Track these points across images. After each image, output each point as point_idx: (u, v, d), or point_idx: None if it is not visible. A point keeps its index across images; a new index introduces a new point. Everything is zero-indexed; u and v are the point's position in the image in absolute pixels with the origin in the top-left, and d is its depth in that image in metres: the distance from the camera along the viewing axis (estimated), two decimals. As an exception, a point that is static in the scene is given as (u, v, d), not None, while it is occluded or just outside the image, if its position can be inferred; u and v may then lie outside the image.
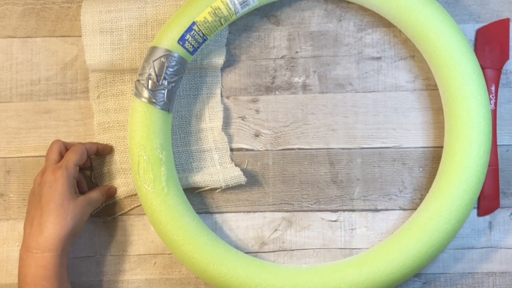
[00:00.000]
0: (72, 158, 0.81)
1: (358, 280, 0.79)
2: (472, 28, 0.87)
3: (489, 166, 0.82)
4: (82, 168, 0.85)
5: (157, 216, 0.81)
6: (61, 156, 0.82)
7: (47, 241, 0.77)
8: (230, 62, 0.88)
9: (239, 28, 0.88)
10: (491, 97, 0.84)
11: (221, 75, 0.88)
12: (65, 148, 0.83)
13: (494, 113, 0.83)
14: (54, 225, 0.77)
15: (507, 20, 0.85)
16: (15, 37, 0.89)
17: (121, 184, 0.86)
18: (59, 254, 0.77)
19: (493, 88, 0.84)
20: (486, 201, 0.83)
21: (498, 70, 0.84)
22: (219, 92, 0.87)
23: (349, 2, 0.86)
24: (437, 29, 0.80)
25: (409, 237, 0.79)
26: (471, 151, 0.79)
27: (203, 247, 0.80)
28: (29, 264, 0.77)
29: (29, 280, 0.77)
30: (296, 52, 0.88)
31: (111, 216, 0.86)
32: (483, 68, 0.83)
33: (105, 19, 0.86)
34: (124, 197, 0.86)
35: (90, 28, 0.86)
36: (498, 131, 0.85)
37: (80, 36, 0.88)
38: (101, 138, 0.86)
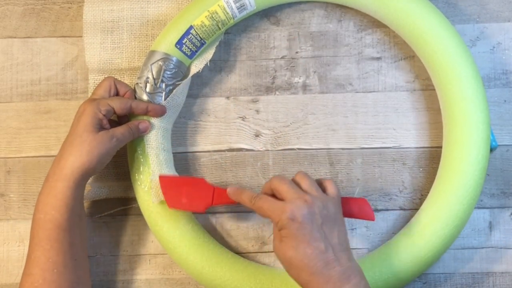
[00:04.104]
0: (110, 100, 0.78)
1: (355, 284, 0.79)
2: (472, 28, 0.87)
3: None
4: (118, 120, 0.83)
5: (154, 217, 0.81)
6: (109, 94, 0.80)
7: (61, 171, 0.75)
8: (230, 62, 0.88)
9: (239, 28, 0.88)
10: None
11: (221, 75, 0.88)
12: (115, 87, 0.81)
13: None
14: (69, 155, 0.75)
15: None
16: (15, 37, 0.89)
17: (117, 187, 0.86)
18: (71, 186, 0.75)
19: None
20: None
21: None
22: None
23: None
24: (435, 32, 0.80)
25: (407, 242, 0.79)
26: (469, 156, 0.79)
27: (198, 249, 0.80)
28: (42, 192, 0.76)
29: (40, 207, 0.75)
30: (296, 52, 0.88)
31: (107, 212, 0.86)
32: None
33: (107, 18, 0.86)
34: (124, 197, 0.86)
35: (92, 27, 0.86)
36: (498, 131, 0.85)
37: (81, 36, 0.88)
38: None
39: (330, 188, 0.75)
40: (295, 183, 0.74)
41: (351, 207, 0.77)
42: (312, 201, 0.71)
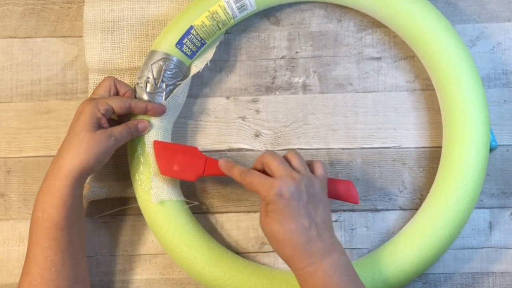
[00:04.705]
0: (109, 100, 0.78)
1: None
2: (472, 28, 0.87)
3: None
4: (118, 119, 0.83)
5: (154, 217, 0.81)
6: (108, 94, 0.80)
7: (59, 169, 0.75)
8: (230, 62, 0.88)
9: (239, 28, 0.88)
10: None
11: (221, 75, 0.88)
12: (115, 86, 0.81)
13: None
14: (67, 154, 0.76)
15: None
16: (15, 38, 0.89)
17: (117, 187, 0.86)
18: (69, 184, 0.75)
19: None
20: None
21: None
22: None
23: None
24: (434, 33, 0.80)
25: (407, 243, 0.79)
26: (469, 156, 0.79)
27: (198, 249, 0.80)
28: (40, 190, 0.76)
29: (38, 205, 0.75)
30: (296, 52, 0.88)
31: (107, 212, 0.86)
32: None
33: (107, 18, 0.86)
34: (124, 197, 0.86)
35: (92, 27, 0.86)
36: (498, 131, 0.85)
37: (81, 36, 0.88)
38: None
39: (318, 168, 0.77)
40: (286, 160, 0.76)
41: (337, 188, 0.79)
42: (300, 179, 0.73)
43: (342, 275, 0.71)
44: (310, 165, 0.78)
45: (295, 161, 0.76)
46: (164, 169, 0.80)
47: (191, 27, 0.82)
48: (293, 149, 0.78)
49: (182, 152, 0.81)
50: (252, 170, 0.76)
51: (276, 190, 0.72)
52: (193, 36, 0.82)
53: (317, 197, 0.74)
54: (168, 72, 0.82)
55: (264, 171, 0.76)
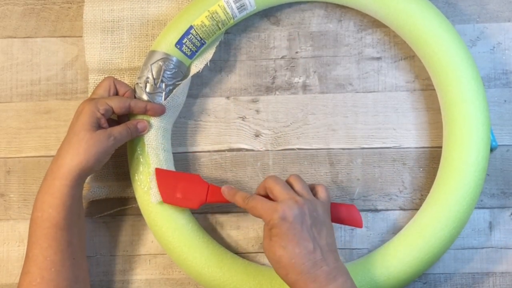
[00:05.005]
0: (109, 100, 0.78)
1: (354, 285, 0.79)
2: (472, 28, 0.87)
3: None
4: (118, 119, 0.83)
5: (153, 217, 0.81)
6: (108, 94, 0.80)
7: (58, 169, 0.75)
8: (230, 62, 0.88)
9: (239, 28, 0.88)
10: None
11: (221, 75, 0.88)
12: (115, 86, 0.81)
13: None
14: (66, 154, 0.76)
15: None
16: (15, 37, 0.89)
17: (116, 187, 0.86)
18: (68, 184, 0.75)
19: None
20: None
21: None
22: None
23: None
24: (435, 33, 0.80)
25: (407, 243, 0.79)
26: (469, 157, 0.79)
27: (198, 250, 0.80)
28: (40, 190, 0.76)
29: (37, 205, 0.75)
30: (296, 52, 0.88)
31: (107, 212, 0.86)
32: None
33: (107, 18, 0.86)
34: (123, 197, 0.86)
35: (92, 27, 0.86)
36: (498, 131, 0.85)
37: (81, 36, 0.88)
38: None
39: (321, 192, 0.77)
40: (288, 184, 0.76)
41: (340, 212, 0.79)
42: (303, 202, 0.73)
43: None
44: (313, 189, 0.77)
45: (297, 185, 0.76)
46: (166, 197, 0.80)
47: (191, 27, 0.82)
48: (294, 174, 0.77)
49: (184, 179, 0.81)
50: (255, 195, 0.75)
51: (279, 214, 0.71)
52: (192, 36, 0.82)
53: (321, 220, 0.73)
54: (168, 72, 0.82)
55: (267, 196, 0.75)
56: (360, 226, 0.78)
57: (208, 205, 0.86)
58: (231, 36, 0.88)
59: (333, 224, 0.77)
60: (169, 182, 0.80)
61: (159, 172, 0.80)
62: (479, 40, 0.87)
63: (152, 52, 0.82)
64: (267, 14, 0.88)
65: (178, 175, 0.81)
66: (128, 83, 0.85)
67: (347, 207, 0.79)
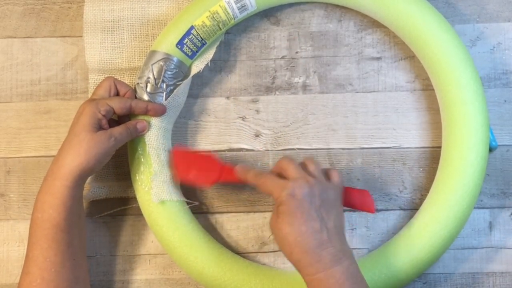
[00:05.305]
0: (109, 100, 0.79)
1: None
2: (472, 28, 0.87)
3: None
4: (118, 120, 0.83)
5: (154, 217, 0.81)
6: (109, 94, 0.80)
7: (58, 170, 0.75)
8: (230, 62, 0.88)
9: (239, 28, 0.88)
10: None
11: (221, 75, 0.88)
12: (115, 87, 0.81)
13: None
14: (67, 154, 0.76)
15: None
16: (15, 37, 0.89)
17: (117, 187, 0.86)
18: (69, 185, 0.75)
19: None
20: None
21: None
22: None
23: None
24: (434, 34, 0.80)
25: (407, 243, 0.79)
26: (468, 157, 0.79)
27: (198, 250, 0.80)
28: (40, 191, 0.76)
29: (38, 206, 0.75)
30: (296, 52, 0.88)
31: (107, 212, 0.86)
32: None
33: (107, 18, 0.86)
34: (124, 197, 0.86)
35: (92, 27, 0.86)
36: (498, 131, 0.85)
37: (81, 36, 0.88)
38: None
39: (335, 176, 0.77)
40: (303, 166, 0.76)
41: (352, 197, 0.78)
42: (314, 183, 0.72)
43: (352, 284, 0.69)
44: (326, 172, 0.77)
45: (311, 167, 0.76)
46: (182, 176, 0.81)
47: (192, 27, 0.82)
48: (310, 156, 0.77)
49: (199, 158, 0.82)
50: (268, 172, 0.76)
51: (289, 191, 0.71)
52: (193, 36, 0.82)
53: (331, 203, 0.73)
54: (169, 72, 0.82)
55: (281, 177, 0.75)
56: (372, 211, 0.78)
57: (208, 205, 0.86)
58: (231, 36, 0.88)
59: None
60: (186, 162, 0.81)
61: (177, 154, 0.82)
62: (479, 40, 0.87)
63: (153, 52, 0.82)
64: (267, 14, 0.88)
65: (194, 155, 0.83)
66: (128, 83, 0.85)
67: (360, 192, 0.79)
